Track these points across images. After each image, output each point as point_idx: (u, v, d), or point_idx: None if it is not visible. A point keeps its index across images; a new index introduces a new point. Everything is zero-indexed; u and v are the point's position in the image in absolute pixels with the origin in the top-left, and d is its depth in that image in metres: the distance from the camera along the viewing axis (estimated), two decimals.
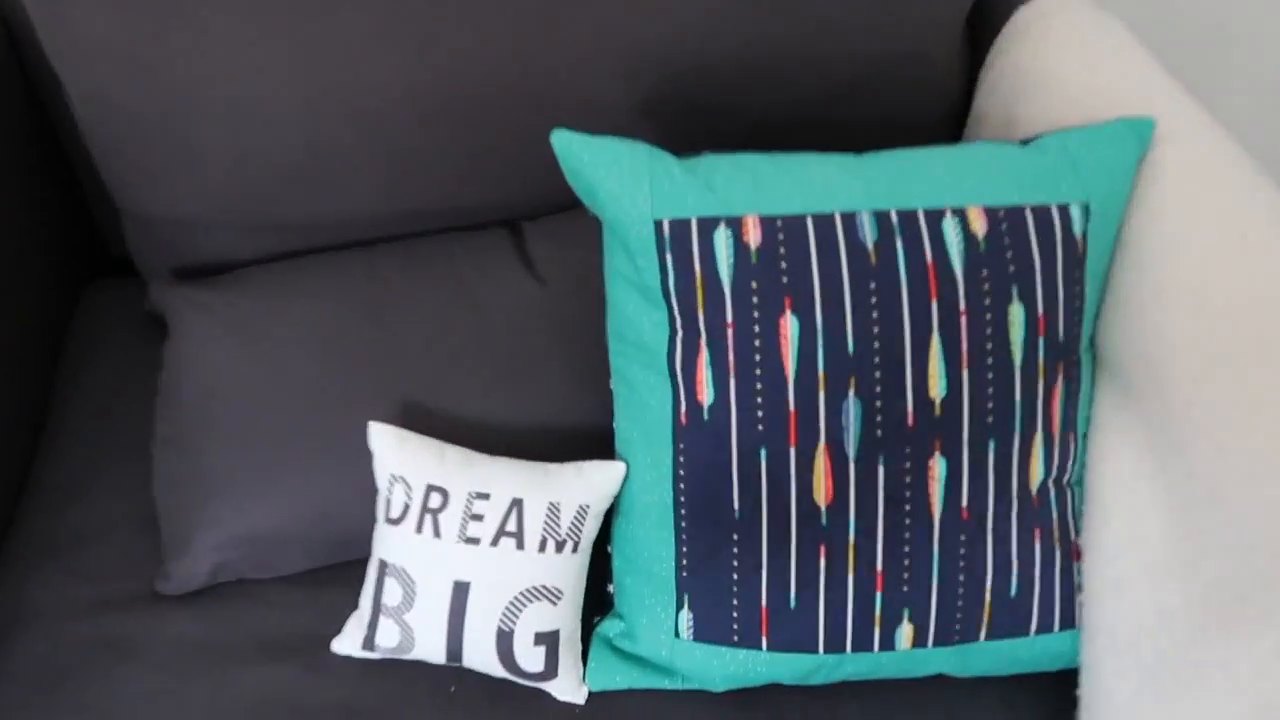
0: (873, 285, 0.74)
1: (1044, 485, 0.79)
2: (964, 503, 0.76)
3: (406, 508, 0.81)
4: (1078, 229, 0.77)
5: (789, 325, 0.74)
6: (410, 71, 0.89)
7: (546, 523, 0.80)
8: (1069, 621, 0.80)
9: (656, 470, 0.80)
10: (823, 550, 0.76)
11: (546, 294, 0.93)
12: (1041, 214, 0.76)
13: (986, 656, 0.79)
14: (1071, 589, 0.80)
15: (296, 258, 0.98)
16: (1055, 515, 0.80)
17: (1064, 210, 0.77)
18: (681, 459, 0.79)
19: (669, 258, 0.76)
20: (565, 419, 0.90)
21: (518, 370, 0.90)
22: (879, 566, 0.76)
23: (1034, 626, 0.79)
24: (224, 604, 0.88)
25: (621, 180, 0.76)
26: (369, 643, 0.81)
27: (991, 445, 0.76)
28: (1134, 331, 0.77)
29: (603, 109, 0.94)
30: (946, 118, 1.03)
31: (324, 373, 0.89)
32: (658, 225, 0.75)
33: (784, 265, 0.74)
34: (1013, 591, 0.78)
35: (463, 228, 1.01)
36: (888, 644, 0.77)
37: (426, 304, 0.92)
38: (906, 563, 0.76)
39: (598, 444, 0.87)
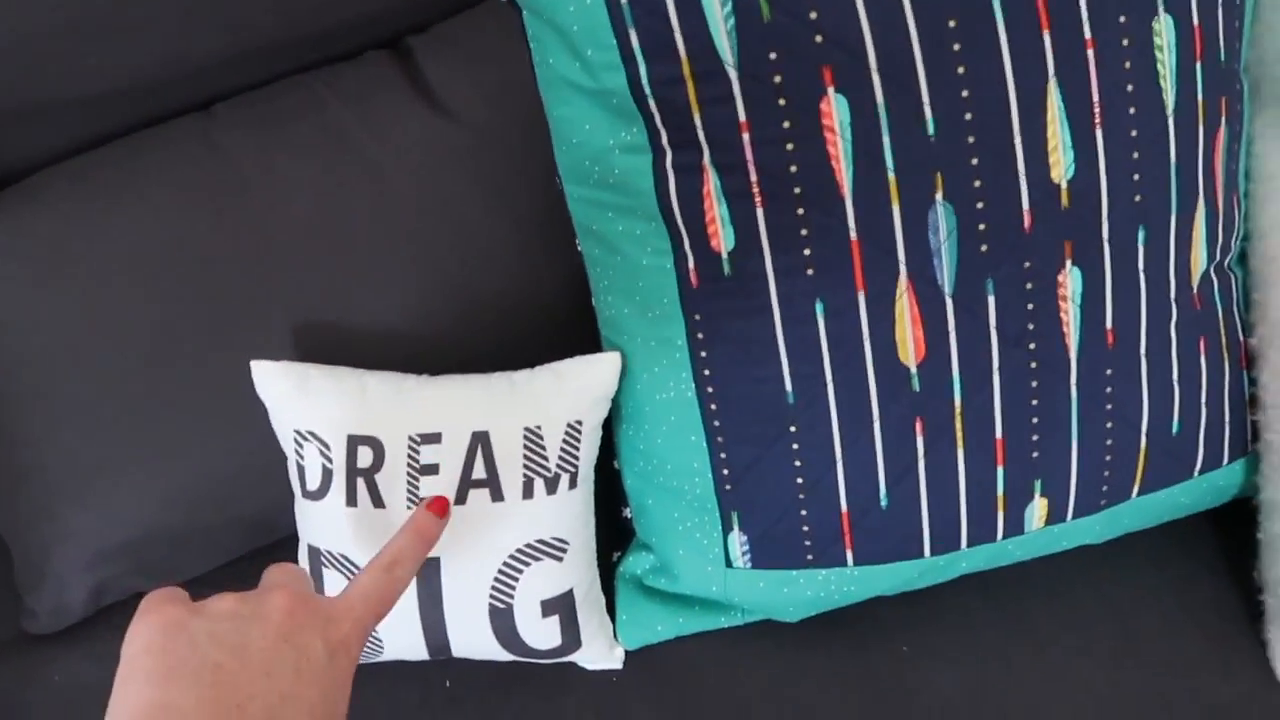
0: (952, 23, 0.48)
1: (1206, 276, 0.56)
2: (1109, 324, 0.54)
3: (327, 474, 0.57)
4: None
5: (835, 108, 0.48)
6: None
7: (527, 457, 0.57)
8: (1240, 448, 0.60)
9: (667, 357, 0.56)
10: (919, 425, 0.54)
11: (458, 131, 0.66)
12: None
13: (1137, 513, 0.59)
14: (1243, 407, 0.59)
15: (104, 146, 0.69)
16: (1221, 313, 0.58)
17: None
18: (700, 335, 0.55)
19: (633, 35, 0.49)
20: (522, 300, 0.65)
21: (443, 247, 0.64)
22: (998, 433, 0.54)
23: (1199, 466, 0.58)
24: (120, 631, 0.65)
25: None
26: None
27: (1141, 236, 0.52)
28: None
29: None
30: None
31: (174, 304, 0.63)
32: None
33: (814, 15, 0.48)
34: (1174, 429, 0.57)
35: (330, 59, 0.72)
36: (1015, 528, 0.57)
37: (296, 176, 0.65)
38: (1035, 421, 0.54)
39: (577, 326, 0.63)
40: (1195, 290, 0.56)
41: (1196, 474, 0.59)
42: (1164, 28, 0.50)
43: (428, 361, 0.63)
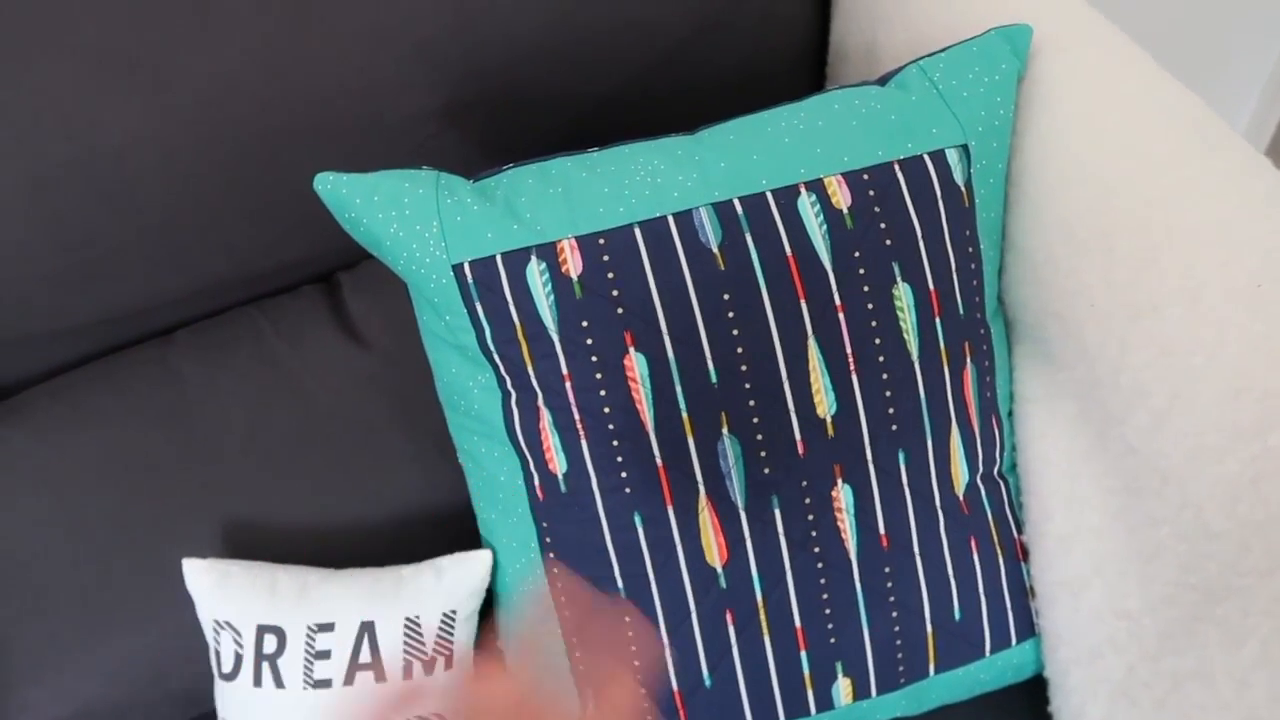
0: (726, 296, 0.61)
1: (972, 485, 0.67)
2: (881, 529, 0.64)
3: (238, 658, 0.67)
4: (959, 177, 0.64)
5: (636, 364, 0.61)
6: (149, 122, 0.73)
7: (407, 643, 0.67)
8: (1026, 630, 0.69)
9: (524, 556, 0.67)
10: (729, 616, 0.64)
11: (372, 359, 0.79)
12: (914, 168, 0.63)
13: (943, 688, 0.68)
14: (1024, 594, 0.68)
15: (80, 368, 0.83)
16: (991, 515, 0.68)
17: (939, 158, 0.64)
18: (548, 539, 0.66)
19: (479, 307, 0.62)
20: (422, 505, 0.76)
21: (354, 457, 0.76)
22: (797, 622, 0.64)
23: (989, 647, 0.67)
24: None
25: (406, 223, 0.62)
26: None
27: (901, 456, 0.64)
28: (1043, 285, 0.65)
29: (399, 127, 0.79)
30: (801, 63, 0.89)
31: (127, 505, 0.75)
32: (457, 270, 0.62)
33: (616, 293, 0.61)
34: (957, 615, 0.66)
35: (278, 291, 0.87)
36: (825, 703, 0.66)
37: (235, 398, 0.78)
38: (828, 612, 0.64)
39: (469, 527, 0.74)
40: (962, 497, 0.66)
41: (989, 654, 0.68)
42: (903, 294, 0.63)
43: (337, 554, 0.74)
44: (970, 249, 0.65)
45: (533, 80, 0.81)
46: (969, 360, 0.66)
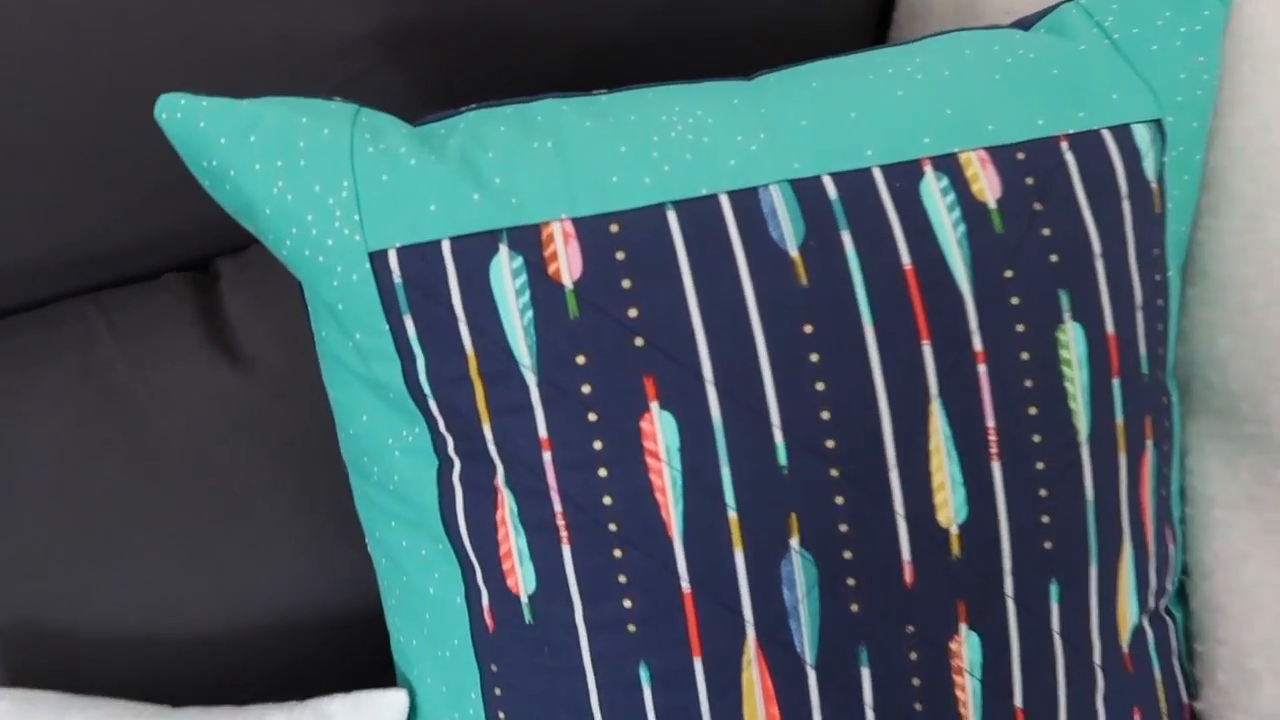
0: (807, 327, 0.38)
1: (1138, 630, 0.45)
2: (1018, 700, 0.42)
3: None
4: (1150, 167, 0.43)
5: (660, 429, 0.38)
6: None
7: None
8: None
9: (460, 710, 0.43)
10: None
11: (251, 385, 0.54)
12: (1088, 148, 0.41)
13: None
14: None
15: None
16: (1158, 673, 0.46)
17: (1124, 136, 0.42)
18: (497, 691, 0.42)
19: (410, 323, 0.39)
20: (309, 606, 0.52)
21: (212, 529, 0.52)
22: None
23: None
24: None
25: (298, 181, 0.39)
26: None
27: (1054, 591, 0.42)
28: (1259, 337, 0.44)
29: (310, 59, 0.56)
30: (860, 23, 0.68)
31: None
32: (378, 261, 0.38)
33: (634, 312, 0.38)
34: None
35: (128, 279, 0.62)
36: None
37: (41, 432, 0.53)
38: None
39: (374, 645, 0.50)
40: (1126, 650, 0.45)
41: None
42: (1071, 339, 0.41)
43: (173, 678, 0.50)
44: (1157, 276, 0.44)
45: (510, 7, 0.58)
46: (1150, 443, 0.44)
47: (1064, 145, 0.42)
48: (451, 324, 0.38)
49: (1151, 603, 0.45)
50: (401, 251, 0.38)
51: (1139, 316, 0.43)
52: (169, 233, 0.60)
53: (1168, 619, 0.48)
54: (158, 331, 0.56)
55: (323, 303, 0.41)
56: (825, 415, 0.38)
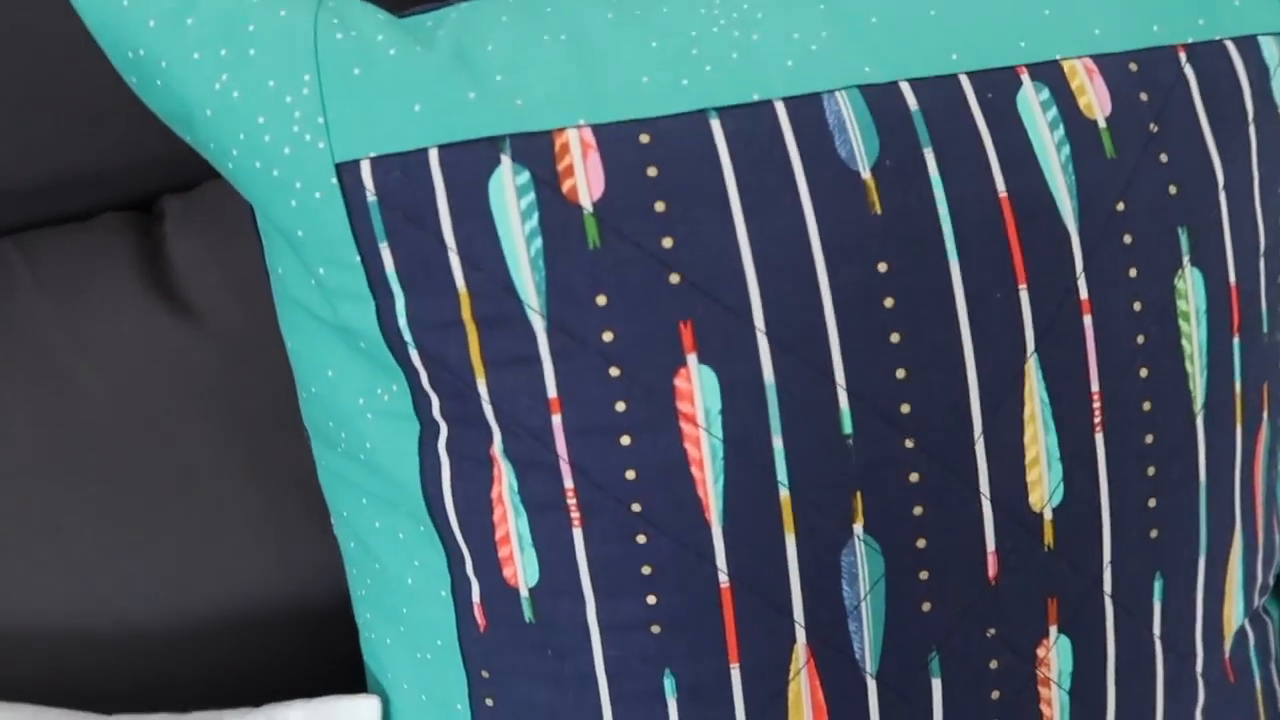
0: (881, 267, 0.31)
1: (1240, 634, 0.39)
2: (1110, 717, 0.36)
3: None
4: (1279, 88, 0.37)
5: (698, 387, 0.31)
6: None
7: None
8: None
9: (440, 714, 0.36)
10: None
11: (199, 339, 0.47)
12: (1210, 61, 0.35)
13: None
14: None
15: None
16: (1259, 684, 0.40)
17: (1250, 49, 0.36)
18: (489, 701, 0.35)
19: (387, 251, 0.31)
20: (267, 595, 0.45)
21: (153, 507, 0.45)
22: None
23: None
24: None
25: (248, 74, 0.31)
26: None
27: (1158, 588, 0.35)
28: None
29: None
30: None
31: None
32: (346, 175, 0.31)
33: (668, 242, 0.31)
34: None
35: (57, 219, 0.54)
36: None
37: None
38: None
39: (343, 639, 0.43)
40: (1228, 656, 0.38)
41: None
42: (1190, 287, 0.34)
43: (109, 680, 0.43)
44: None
45: None
46: (1264, 415, 0.38)
47: (1182, 56, 0.35)
48: (439, 254, 0.31)
49: (1256, 601, 0.39)
50: (377, 162, 0.31)
51: (1261, 265, 0.37)
52: (105, 164, 0.53)
53: (1267, 619, 0.41)
54: (90, 277, 0.49)
55: (278, 230, 0.33)
56: (900, 374, 0.32)
